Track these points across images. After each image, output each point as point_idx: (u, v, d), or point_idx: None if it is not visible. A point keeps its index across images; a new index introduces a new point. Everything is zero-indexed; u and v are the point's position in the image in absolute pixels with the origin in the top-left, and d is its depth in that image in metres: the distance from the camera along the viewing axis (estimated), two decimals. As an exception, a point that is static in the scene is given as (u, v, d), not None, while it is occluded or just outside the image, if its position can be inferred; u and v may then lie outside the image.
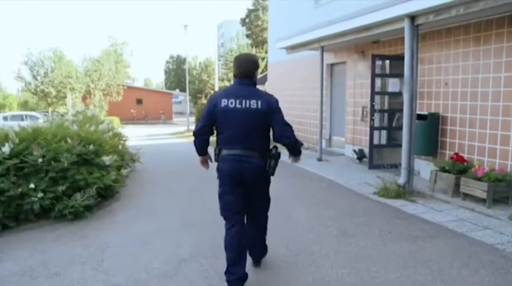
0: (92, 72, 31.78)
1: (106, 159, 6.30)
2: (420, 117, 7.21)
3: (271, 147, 3.45)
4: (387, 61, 8.70)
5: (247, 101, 3.31)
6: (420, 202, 6.01)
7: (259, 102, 3.32)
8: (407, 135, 6.41)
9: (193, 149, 3.60)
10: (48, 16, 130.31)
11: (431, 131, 7.24)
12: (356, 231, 4.78)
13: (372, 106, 7.64)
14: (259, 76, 29.82)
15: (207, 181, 7.72)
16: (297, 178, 7.89)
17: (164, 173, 8.99)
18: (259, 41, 47.65)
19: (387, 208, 5.81)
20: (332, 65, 11.29)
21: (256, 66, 3.52)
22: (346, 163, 9.40)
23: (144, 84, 79.96)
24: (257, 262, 3.83)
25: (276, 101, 3.42)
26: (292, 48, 10.92)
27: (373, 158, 7.84)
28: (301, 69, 12.57)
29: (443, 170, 6.47)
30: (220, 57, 48.90)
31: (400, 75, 8.14)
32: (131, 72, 52.15)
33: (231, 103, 3.32)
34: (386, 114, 8.74)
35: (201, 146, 3.58)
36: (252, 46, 45.14)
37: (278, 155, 3.42)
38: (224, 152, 3.40)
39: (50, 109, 29.86)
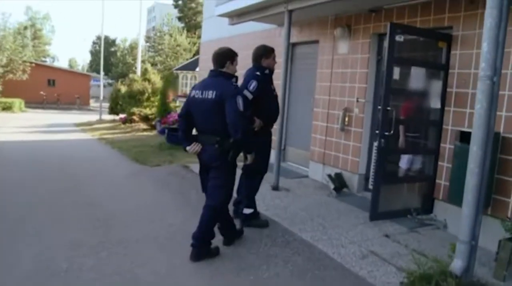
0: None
1: None
2: (461, 137, 4.21)
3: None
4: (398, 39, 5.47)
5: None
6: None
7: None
8: (477, 176, 3.22)
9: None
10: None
11: (484, 162, 4.16)
12: None
13: (384, 112, 4.35)
14: (190, 60, 25.48)
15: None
16: (247, 239, 4.33)
17: (18, 210, 5.12)
18: (192, 25, 43.99)
19: None
20: (293, 45, 7.86)
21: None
22: (319, 195, 6.04)
23: (69, 65, 72.45)
24: None
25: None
26: (240, 15, 7.36)
27: (378, 201, 4.57)
28: (246, 50, 9.05)
29: (527, 241, 3.40)
30: (148, 38, 45.37)
31: (428, 63, 5.02)
32: (52, 51, 46.25)
33: None
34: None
35: None
36: (183, 29, 41.42)
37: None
38: None
39: None
